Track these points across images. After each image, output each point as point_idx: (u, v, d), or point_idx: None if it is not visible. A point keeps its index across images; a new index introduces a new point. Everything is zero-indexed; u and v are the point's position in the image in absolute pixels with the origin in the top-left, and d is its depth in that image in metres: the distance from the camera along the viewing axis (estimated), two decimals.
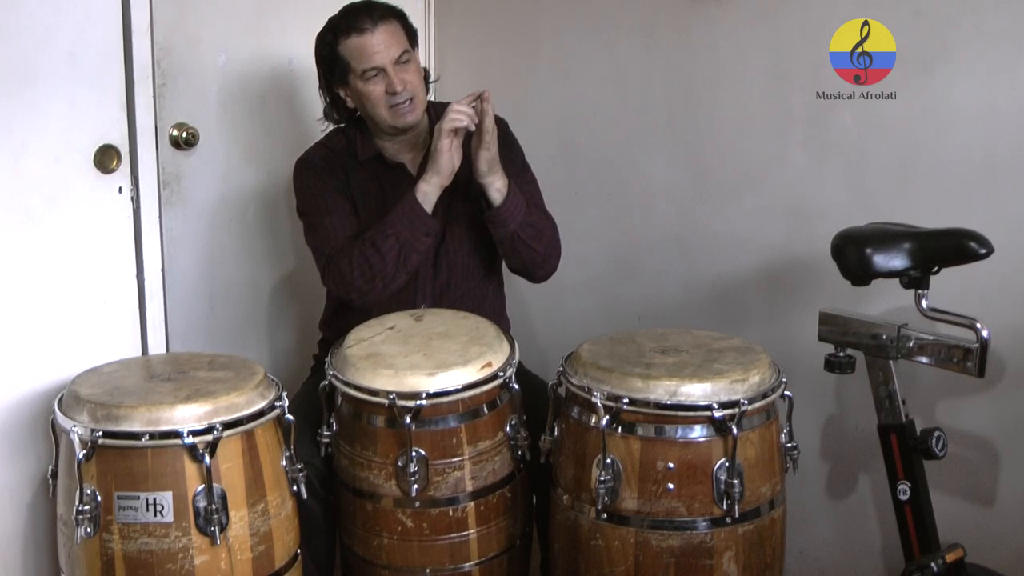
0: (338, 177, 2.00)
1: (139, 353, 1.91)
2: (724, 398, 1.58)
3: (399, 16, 1.96)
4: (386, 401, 1.61)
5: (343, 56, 1.91)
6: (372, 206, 2.00)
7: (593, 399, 1.60)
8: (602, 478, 1.59)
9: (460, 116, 1.84)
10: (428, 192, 1.88)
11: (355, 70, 1.91)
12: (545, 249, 1.97)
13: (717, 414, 1.56)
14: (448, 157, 1.86)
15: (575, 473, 1.66)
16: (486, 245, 2.01)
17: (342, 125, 2.06)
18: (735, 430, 1.56)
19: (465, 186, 1.98)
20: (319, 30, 1.97)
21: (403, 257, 1.88)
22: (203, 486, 1.50)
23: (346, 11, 1.94)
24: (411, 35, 1.98)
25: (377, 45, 1.89)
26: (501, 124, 2.04)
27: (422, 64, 2.04)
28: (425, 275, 1.99)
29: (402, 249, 1.87)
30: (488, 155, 1.86)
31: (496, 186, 1.88)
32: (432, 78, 2.09)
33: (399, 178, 2.00)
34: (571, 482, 1.67)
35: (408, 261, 1.89)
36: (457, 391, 1.64)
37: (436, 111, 2.04)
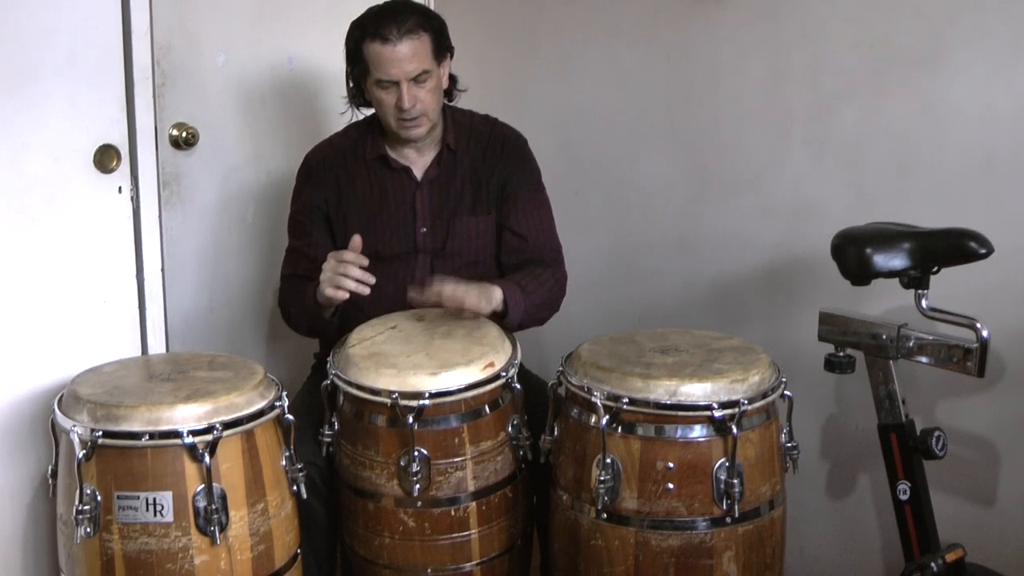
0: (331, 182, 1.99)
1: (139, 353, 1.91)
2: (724, 398, 1.58)
3: (433, 29, 1.89)
4: (388, 401, 1.61)
5: (364, 57, 1.88)
6: (370, 208, 1.99)
7: (593, 399, 1.60)
8: (602, 478, 1.59)
9: (339, 291, 1.80)
10: (323, 303, 1.88)
11: (371, 74, 1.88)
12: (549, 314, 1.99)
13: (717, 414, 1.56)
14: (330, 293, 1.82)
15: (575, 473, 1.66)
16: (485, 259, 2.01)
17: (360, 119, 2.04)
18: (735, 430, 1.56)
19: (457, 197, 1.98)
20: (354, 18, 1.92)
21: (313, 328, 2.00)
22: (203, 486, 1.50)
23: (381, 10, 1.89)
24: (441, 50, 1.91)
25: (396, 60, 1.83)
26: (519, 142, 2.04)
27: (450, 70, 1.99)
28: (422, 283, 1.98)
29: (311, 325, 1.98)
30: (469, 312, 1.80)
31: (493, 307, 1.84)
32: (461, 87, 2.03)
33: (403, 181, 1.99)
34: (571, 482, 1.67)
35: (317, 332, 2.02)
36: (459, 391, 1.64)
37: (454, 116, 2.02)
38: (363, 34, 1.87)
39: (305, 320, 1.98)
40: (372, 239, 1.96)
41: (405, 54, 1.84)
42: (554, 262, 2.01)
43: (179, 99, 2.18)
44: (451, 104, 2.04)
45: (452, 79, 2.00)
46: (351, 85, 1.99)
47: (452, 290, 1.78)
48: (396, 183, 1.99)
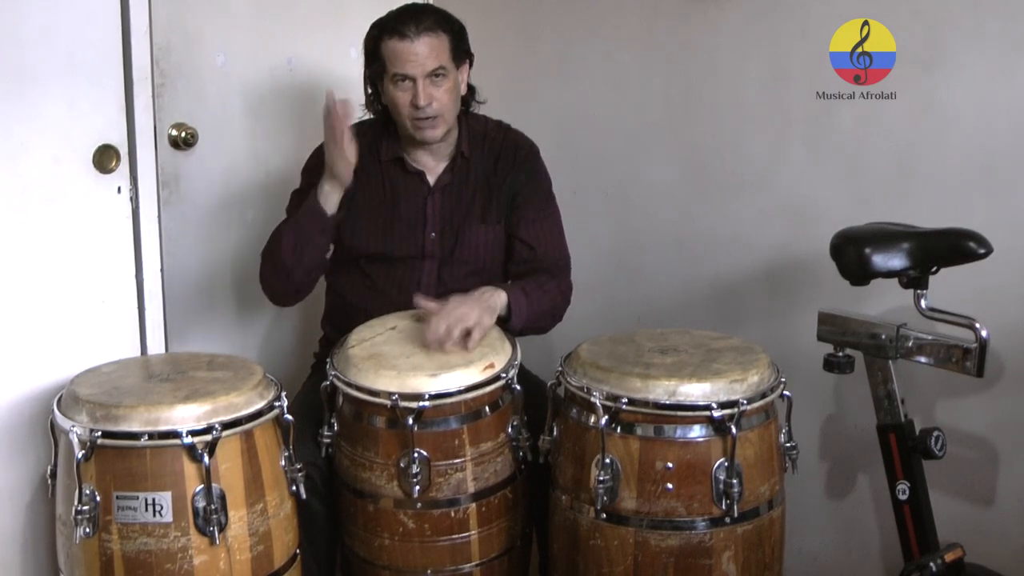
0: None
1: (138, 353, 1.91)
2: (723, 398, 1.58)
3: (452, 31, 1.90)
4: (388, 402, 1.61)
5: (382, 55, 1.88)
6: (381, 209, 1.99)
7: (592, 399, 1.60)
8: (601, 478, 1.59)
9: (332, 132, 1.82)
10: (327, 192, 1.86)
11: (388, 72, 1.88)
12: (551, 323, 1.98)
13: (716, 414, 1.56)
14: (339, 157, 1.83)
15: (574, 473, 1.66)
16: (491, 267, 2.01)
17: (375, 115, 2.03)
18: (734, 430, 1.56)
19: (468, 205, 1.97)
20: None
21: (299, 248, 1.88)
22: (202, 486, 1.50)
23: (401, 11, 1.90)
24: (459, 53, 1.92)
25: (413, 54, 1.84)
26: (531, 151, 2.04)
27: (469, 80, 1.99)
28: (427, 289, 1.98)
29: (298, 240, 1.88)
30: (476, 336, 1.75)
31: (495, 316, 1.83)
32: (480, 98, 2.04)
33: (416, 185, 1.99)
34: (570, 482, 1.67)
35: (303, 254, 1.88)
36: (459, 392, 1.64)
37: (468, 123, 2.02)
38: (382, 31, 1.88)
39: (293, 236, 1.89)
40: (381, 240, 1.97)
41: (423, 50, 1.85)
42: (560, 273, 2.01)
43: (178, 99, 2.18)
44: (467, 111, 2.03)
45: (471, 89, 2.01)
46: (369, 92, 1.99)
47: (453, 321, 1.72)
48: (409, 187, 1.99)
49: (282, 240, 1.90)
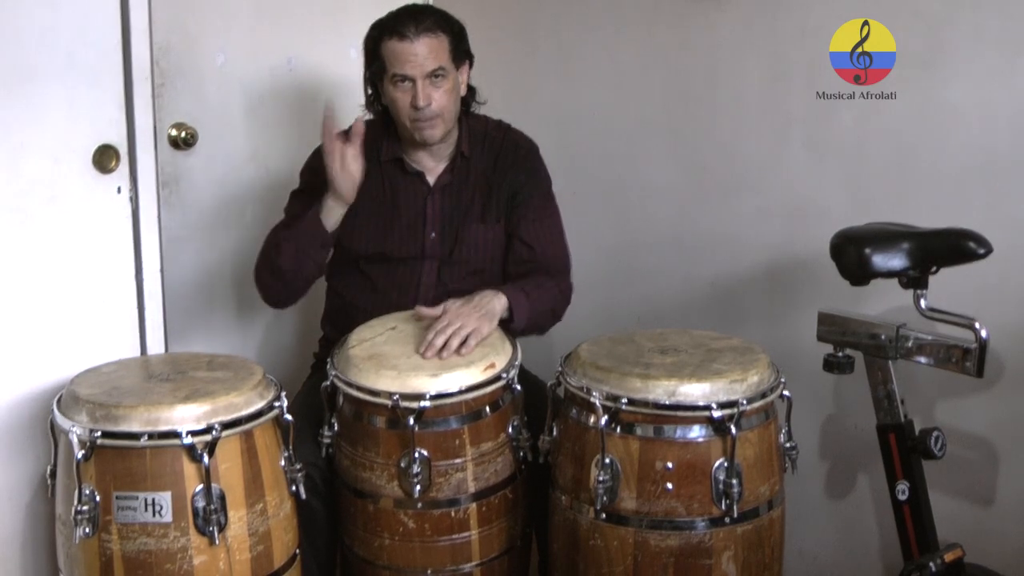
0: None
1: (138, 353, 1.91)
2: (723, 398, 1.58)
3: (452, 32, 1.91)
4: (389, 402, 1.61)
5: (382, 55, 1.89)
6: (380, 209, 1.99)
7: (592, 399, 1.60)
8: (601, 478, 1.59)
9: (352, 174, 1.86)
10: (330, 207, 1.88)
11: (388, 72, 1.89)
12: (550, 322, 1.97)
13: (716, 414, 1.56)
14: (343, 177, 1.85)
15: (574, 473, 1.66)
16: (491, 268, 2.01)
17: (375, 115, 2.03)
18: (734, 430, 1.56)
19: (467, 204, 1.98)
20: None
21: (299, 260, 1.90)
22: (202, 486, 1.50)
23: (401, 11, 1.90)
24: (459, 54, 1.92)
25: (412, 55, 1.84)
26: (531, 150, 2.04)
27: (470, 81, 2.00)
28: (427, 289, 1.98)
29: (298, 253, 1.90)
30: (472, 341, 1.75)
31: (496, 321, 1.82)
32: (480, 99, 2.04)
33: (415, 185, 1.99)
34: (570, 482, 1.67)
35: (303, 266, 1.91)
36: (460, 392, 1.64)
37: (468, 123, 2.02)
38: (382, 32, 1.89)
39: (293, 249, 1.90)
40: (381, 241, 1.97)
41: (422, 51, 1.85)
42: (559, 273, 2.01)
43: (178, 99, 2.18)
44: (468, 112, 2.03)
45: (471, 90, 2.01)
46: (369, 92, 1.99)
47: (451, 333, 1.72)
48: (408, 187, 1.99)
49: (282, 249, 1.91)
